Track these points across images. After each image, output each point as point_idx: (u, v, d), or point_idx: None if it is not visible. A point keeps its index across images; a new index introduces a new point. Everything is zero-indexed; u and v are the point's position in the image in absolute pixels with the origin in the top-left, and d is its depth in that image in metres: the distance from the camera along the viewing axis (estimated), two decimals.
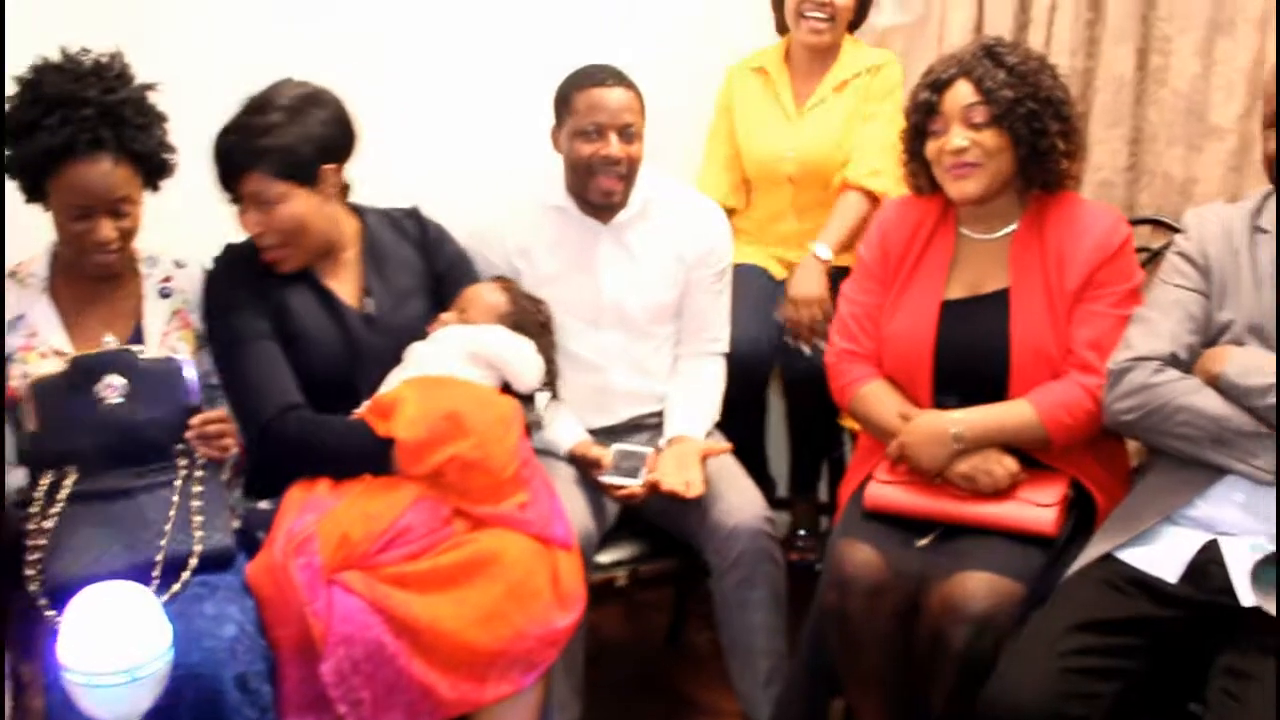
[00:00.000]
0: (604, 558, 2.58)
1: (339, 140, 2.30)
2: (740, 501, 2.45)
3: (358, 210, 2.44)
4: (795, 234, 3.02)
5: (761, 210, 3.10)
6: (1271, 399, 1.92)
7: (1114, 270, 2.23)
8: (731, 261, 2.74)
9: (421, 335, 2.37)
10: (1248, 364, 1.97)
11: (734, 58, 3.13)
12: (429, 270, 2.46)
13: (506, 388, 2.38)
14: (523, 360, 2.39)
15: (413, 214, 2.50)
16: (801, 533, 3.15)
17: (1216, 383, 2.00)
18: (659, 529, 2.59)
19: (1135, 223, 2.62)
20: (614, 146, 2.51)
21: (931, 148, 2.29)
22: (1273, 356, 1.97)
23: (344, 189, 2.38)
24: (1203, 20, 2.52)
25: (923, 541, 2.20)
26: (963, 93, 2.24)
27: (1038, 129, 2.23)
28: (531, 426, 2.41)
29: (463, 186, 2.81)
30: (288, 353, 2.28)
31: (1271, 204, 2.10)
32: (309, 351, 2.30)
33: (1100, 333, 2.18)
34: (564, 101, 2.57)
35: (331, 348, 2.32)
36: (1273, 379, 1.93)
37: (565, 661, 2.28)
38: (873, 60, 2.98)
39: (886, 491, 2.28)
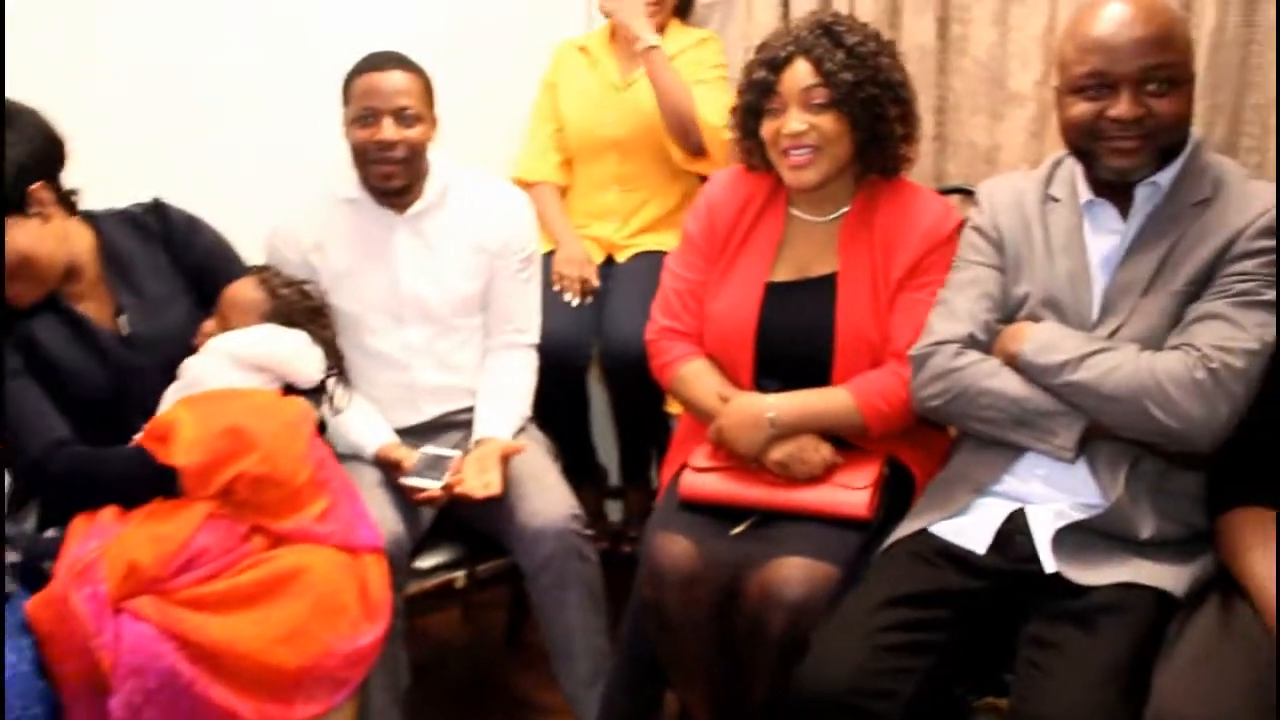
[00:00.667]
0: (425, 562, 2.49)
1: (42, 155, 2.08)
2: (546, 502, 2.37)
3: (91, 218, 2.24)
4: (619, 207, 2.99)
5: (585, 183, 3.06)
6: (1068, 376, 1.92)
7: (940, 259, 2.20)
8: (538, 249, 2.66)
9: (190, 341, 2.24)
10: (1044, 341, 1.96)
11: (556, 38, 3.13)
12: (182, 268, 2.29)
13: (292, 388, 2.27)
14: (297, 355, 2.28)
15: (155, 208, 2.30)
16: (635, 522, 3.10)
17: (1015, 362, 1.99)
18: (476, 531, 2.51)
19: (944, 192, 2.62)
20: (387, 131, 2.41)
21: (768, 128, 2.23)
22: (1068, 331, 1.97)
23: (68, 201, 2.17)
24: None
25: (737, 529, 2.16)
26: (801, 73, 2.19)
27: (877, 114, 2.20)
28: (329, 415, 2.34)
29: (264, 182, 2.68)
30: (47, 388, 2.11)
31: (1062, 171, 2.10)
32: (69, 384, 2.13)
33: (920, 322, 2.15)
34: (346, 89, 2.47)
35: (92, 377, 2.15)
36: (1068, 356, 1.92)
37: (382, 672, 2.19)
38: (695, 38, 3.01)
39: (701, 480, 2.24)
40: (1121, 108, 1.89)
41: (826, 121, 2.18)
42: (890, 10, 2.69)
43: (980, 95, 2.57)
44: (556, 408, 2.79)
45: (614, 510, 3.24)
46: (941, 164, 2.69)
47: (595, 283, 2.87)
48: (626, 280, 2.88)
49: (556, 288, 2.84)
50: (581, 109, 3.03)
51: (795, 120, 2.18)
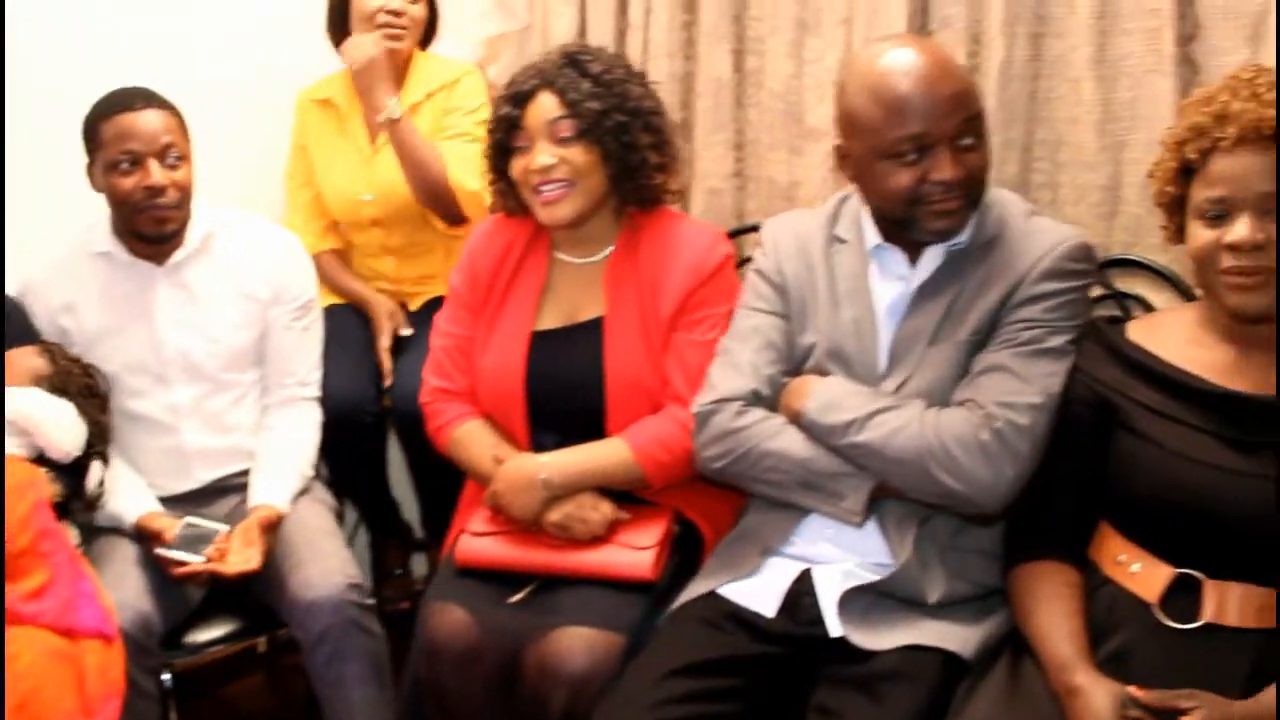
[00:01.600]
0: (201, 635, 2.32)
1: None
2: (321, 570, 2.20)
3: None
4: (399, 274, 2.85)
5: (359, 252, 2.90)
6: (852, 437, 1.83)
7: (710, 294, 2.11)
8: (315, 296, 2.49)
9: None
10: (828, 399, 1.87)
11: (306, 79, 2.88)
12: None
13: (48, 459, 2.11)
14: (54, 424, 2.13)
15: None
16: None
17: (799, 420, 1.89)
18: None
19: (742, 231, 2.53)
20: (155, 175, 2.23)
21: (517, 166, 2.13)
22: (853, 388, 1.89)
23: None
24: (791, 19, 2.45)
25: (516, 597, 2.03)
26: (546, 106, 2.10)
27: (627, 142, 2.11)
28: (89, 503, 2.17)
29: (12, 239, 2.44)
30: None
31: (848, 210, 2.01)
32: None
33: (697, 363, 2.05)
34: (91, 133, 2.27)
35: None
36: (853, 415, 1.83)
37: None
38: (448, 75, 2.79)
39: (478, 545, 2.11)
40: (945, 171, 1.79)
41: (576, 154, 2.08)
42: (685, 42, 2.60)
43: (778, 130, 2.49)
44: (349, 464, 2.63)
45: (423, 565, 3.08)
46: (742, 201, 2.60)
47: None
48: (418, 331, 2.72)
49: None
50: (336, 178, 2.80)
51: (543, 154, 2.08)
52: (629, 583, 2.02)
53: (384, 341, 2.67)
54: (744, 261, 2.32)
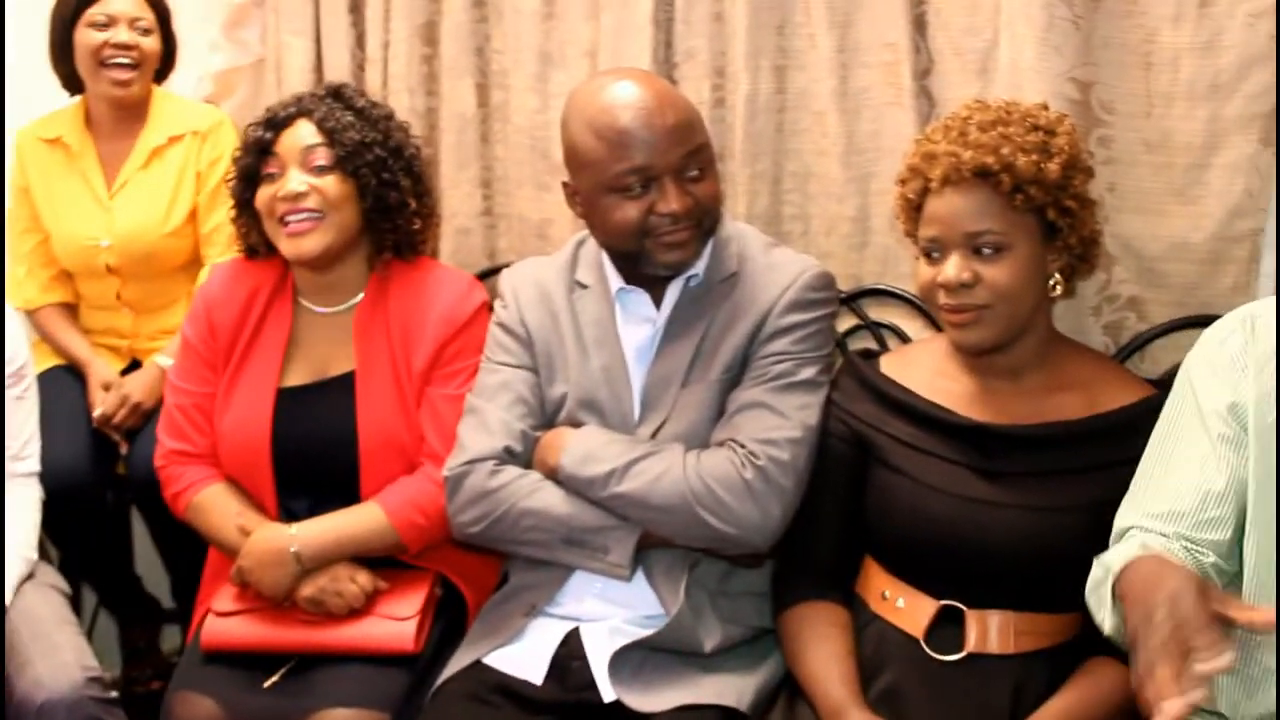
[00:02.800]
0: None
1: None
2: (52, 666, 1.98)
3: None
4: (134, 330, 2.63)
5: (89, 305, 2.67)
6: (613, 488, 1.77)
7: (465, 345, 2.02)
8: (28, 361, 2.26)
9: None
10: (584, 451, 1.81)
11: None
12: None
13: None
14: None
15: None
16: None
17: (556, 475, 1.82)
18: None
19: (495, 271, 2.45)
20: None
21: (263, 195, 1.99)
22: (610, 436, 1.83)
23: None
24: (534, 52, 2.38)
25: (269, 681, 1.89)
26: (304, 133, 1.99)
27: (387, 179, 2.01)
28: None
29: None
30: None
31: (586, 254, 1.96)
32: None
33: (452, 418, 1.95)
34: None
35: None
36: (611, 466, 1.78)
37: None
38: (200, 121, 2.60)
39: (225, 626, 1.96)
40: (671, 202, 1.76)
41: (330, 184, 1.97)
42: (426, 76, 2.50)
43: (526, 166, 2.41)
44: (78, 543, 2.41)
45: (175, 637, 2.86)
46: (493, 240, 2.51)
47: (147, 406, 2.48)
48: None
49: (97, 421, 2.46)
50: (67, 223, 2.58)
51: (294, 181, 1.96)
52: (391, 655, 1.90)
53: (96, 414, 2.46)
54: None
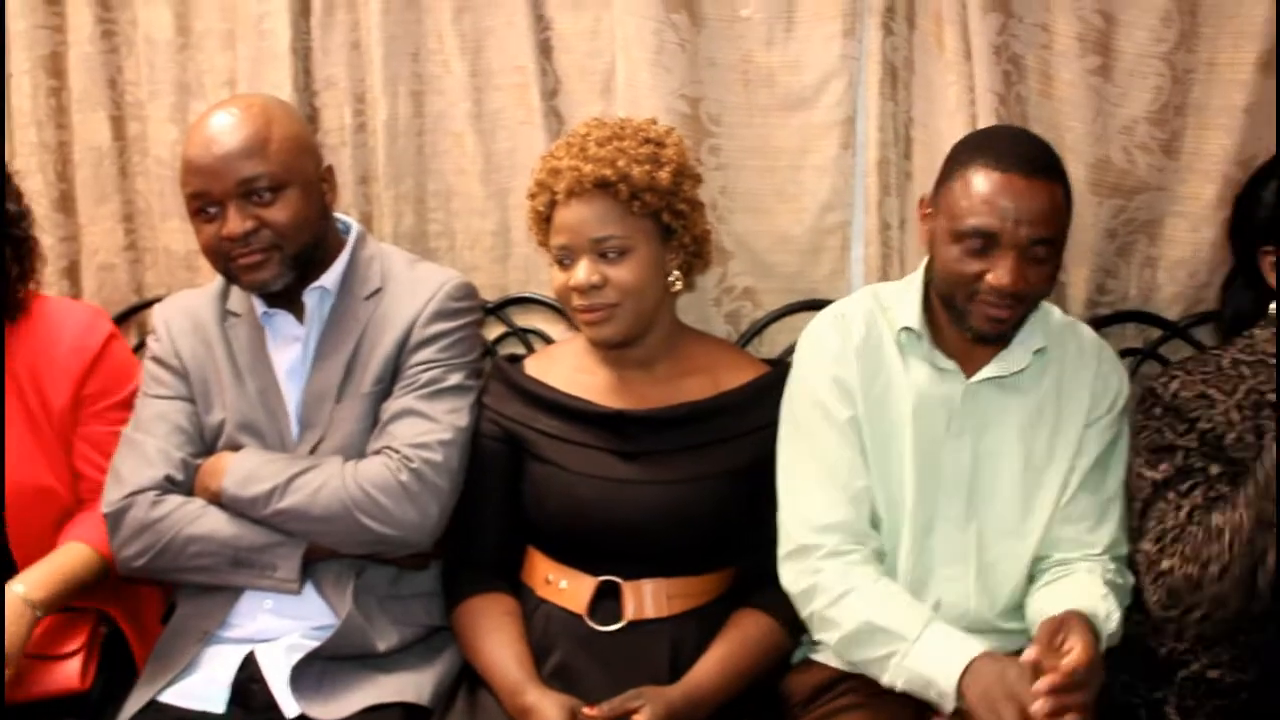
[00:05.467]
0: None
1: None
2: None
3: None
4: None
5: None
6: (275, 505, 1.81)
7: (104, 376, 1.99)
8: None
9: None
10: (245, 472, 1.84)
11: None
12: None
13: None
14: None
15: None
16: None
17: (219, 499, 1.84)
18: None
19: (145, 306, 2.41)
20: None
21: None
22: (269, 456, 1.87)
23: None
24: (171, 83, 2.36)
25: None
26: None
27: None
28: None
29: None
30: None
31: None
32: None
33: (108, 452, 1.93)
34: None
35: None
36: (272, 483, 1.82)
37: None
38: None
39: None
40: (231, 225, 1.81)
41: None
42: (56, 109, 2.42)
43: (170, 198, 2.38)
44: None
45: None
46: (139, 275, 2.45)
47: None
48: None
49: None
50: None
51: None
52: (61, 699, 1.85)
53: None
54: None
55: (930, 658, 1.64)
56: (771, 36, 2.11)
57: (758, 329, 2.19)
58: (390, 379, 1.91)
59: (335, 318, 1.93)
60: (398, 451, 1.83)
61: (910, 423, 1.79)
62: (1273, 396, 1.71)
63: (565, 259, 1.84)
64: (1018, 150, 1.71)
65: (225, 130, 1.82)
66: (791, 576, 1.79)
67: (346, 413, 1.90)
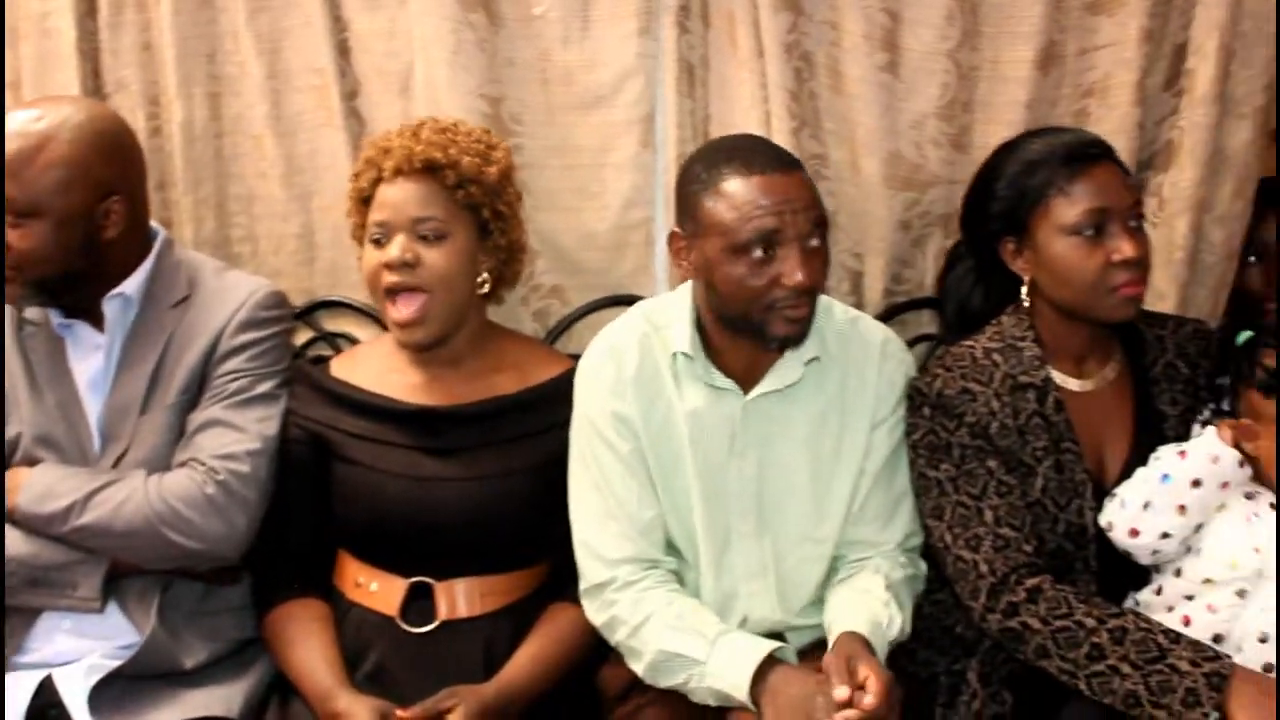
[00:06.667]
0: None
1: None
2: None
3: None
4: None
5: None
6: (74, 521, 1.76)
7: None
8: None
9: None
10: (42, 488, 1.78)
11: None
12: None
13: None
14: None
15: None
16: None
17: (15, 515, 1.78)
18: None
19: None
20: None
21: None
22: (68, 471, 1.81)
23: None
24: None
25: None
26: None
27: None
28: None
29: None
30: None
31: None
32: None
33: None
34: None
35: None
36: (71, 499, 1.76)
37: None
38: None
39: None
40: None
41: None
42: None
43: None
44: None
45: None
46: None
47: None
48: None
49: None
50: None
51: None
52: None
53: None
54: None
55: (722, 676, 1.66)
56: (568, 35, 2.13)
57: (565, 326, 2.21)
58: (197, 389, 1.87)
59: (139, 327, 1.87)
60: (204, 463, 1.79)
61: (691, 445, 1.79)
62: (1026, 379, 1.80)
63: (381, 237, 1.84)
64: (760, 150, 1.73)
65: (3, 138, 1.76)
66: (593, 612, 1.80)
67: (152, 424, 1.85)
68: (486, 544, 1.85)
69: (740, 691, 1.63)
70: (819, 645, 1.80)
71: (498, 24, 2.12)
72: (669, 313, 1.83)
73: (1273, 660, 1.65)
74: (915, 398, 1.82)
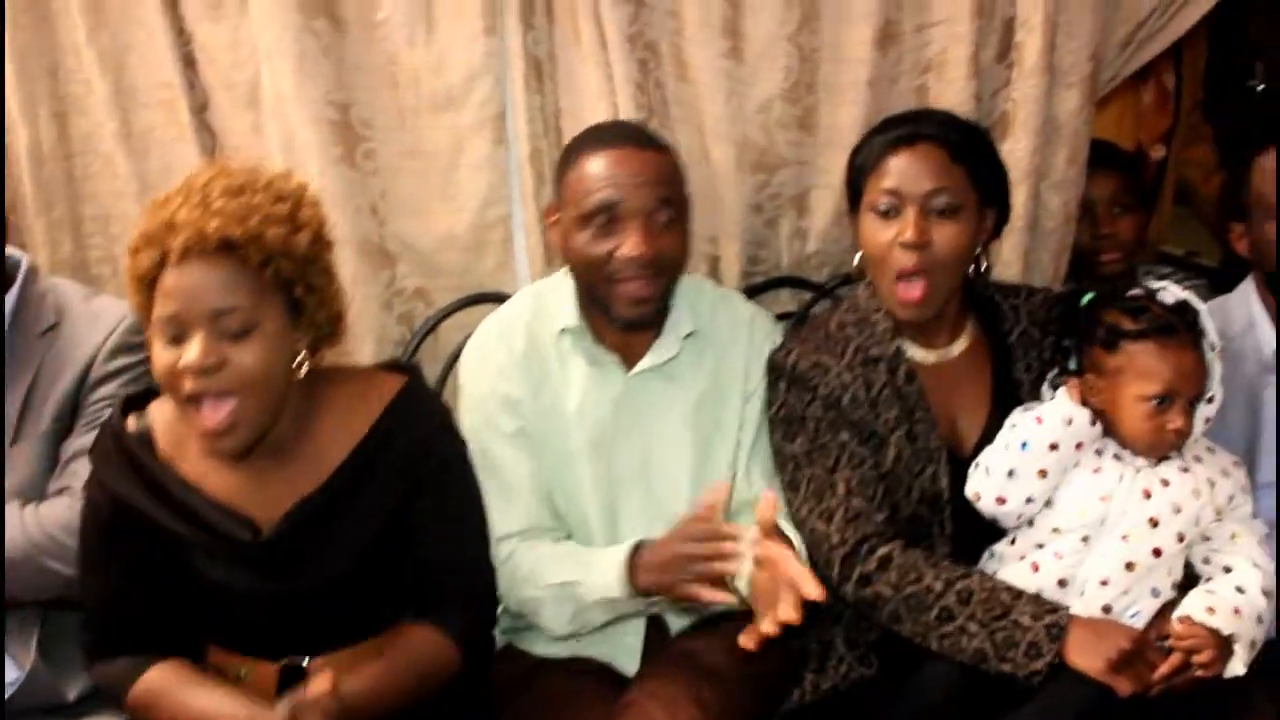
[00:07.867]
0: None
1: None
2: None
3: None
4: None
5: None
6: None
7: None
8: None
9: None
10: None
11: None
12: None
13: None
14: None
15: None
16: None
17: None
18: None
19: None
20: None
21: None
22: None
23: None
24: None
25: None
26: None
27: None
28: None
29: None
30: None
31: None
32: None
33: None
34: None
35: None
36: None
37: None
38: None
39: None
40: None
41: None
42: None
43: None
44: None
45: None
46: None
47: None
48: None
49: None
50: None
51: None
52: None
53: None
54: None
55: (602, 582, 1.73)
56: (413, 38, 2.13)
57: (431, 327, 2.22)
58: (70, 416, 1.85)
59: (8, 356, 1.85)
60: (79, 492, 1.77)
61: (578, 424, 1.85)
62: (877, 351, 1.86)
63: (174, 333, 1.54)
64: (619, 130, 1.86)
65: None
66: (505, 588, 1.82)
67: (24, 454, 1.83)
68: (347, 625, 1.68)
69: (621, 585, 1.70)
70: (705, 622, 1.85)
71: (342, 30, 2.12)
72: (560, 291, 1.90)
73: (1111, 602, 1.74)
74: (773, 371, 1.89)
